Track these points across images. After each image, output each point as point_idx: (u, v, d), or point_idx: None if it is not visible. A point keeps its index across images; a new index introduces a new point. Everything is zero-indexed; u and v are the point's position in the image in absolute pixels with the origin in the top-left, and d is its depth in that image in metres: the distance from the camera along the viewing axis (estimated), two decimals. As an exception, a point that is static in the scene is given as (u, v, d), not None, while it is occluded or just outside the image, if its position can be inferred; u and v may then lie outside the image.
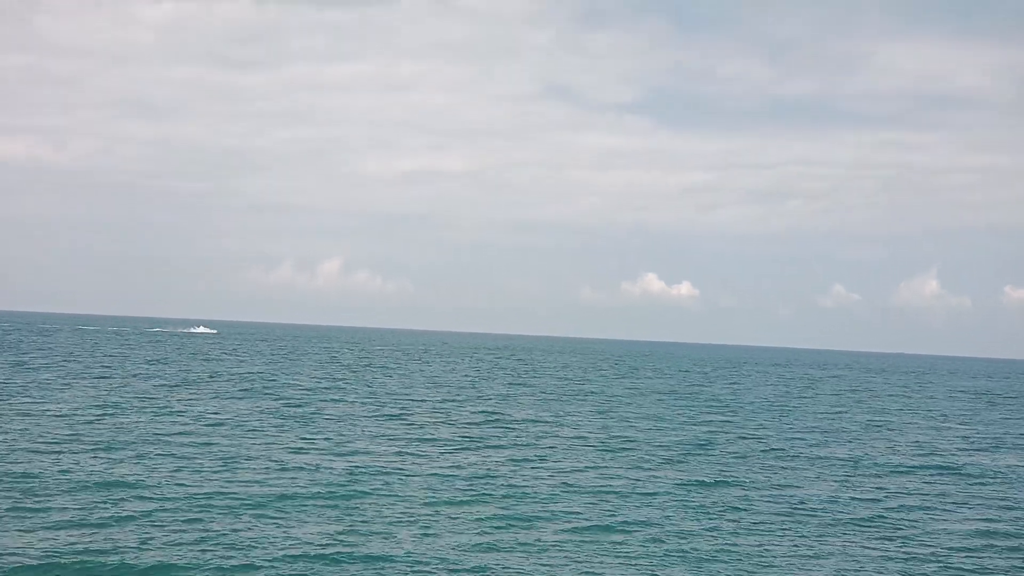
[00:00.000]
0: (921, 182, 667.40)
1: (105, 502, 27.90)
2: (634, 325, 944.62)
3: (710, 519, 29.82)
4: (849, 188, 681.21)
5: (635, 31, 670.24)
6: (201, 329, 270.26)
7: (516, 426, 52.84)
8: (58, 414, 47.19)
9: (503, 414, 58.98)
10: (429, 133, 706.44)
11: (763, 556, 25.70)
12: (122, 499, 28.41)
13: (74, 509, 26.88)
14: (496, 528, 27.46)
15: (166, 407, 53.12)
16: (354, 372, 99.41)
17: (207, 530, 25.32)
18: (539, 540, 26.29)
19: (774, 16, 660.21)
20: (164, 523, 25.88)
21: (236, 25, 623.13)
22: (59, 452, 35.83)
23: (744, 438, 51.41)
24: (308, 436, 44.04)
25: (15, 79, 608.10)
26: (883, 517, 31.43)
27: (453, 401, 67.40)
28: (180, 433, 42.69)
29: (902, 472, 41.61)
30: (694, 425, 57.16)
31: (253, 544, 24.23)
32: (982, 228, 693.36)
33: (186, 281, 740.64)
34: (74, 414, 47.63)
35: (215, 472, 33.58)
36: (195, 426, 45.54)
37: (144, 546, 23.58)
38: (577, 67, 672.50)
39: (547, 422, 55.60)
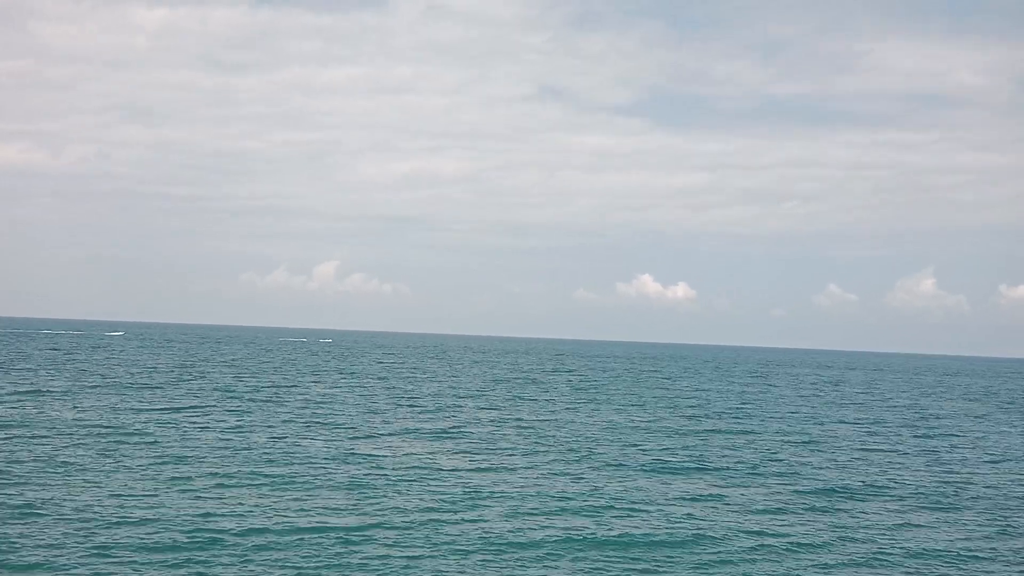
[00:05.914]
0: (916, 182, 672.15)
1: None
2: (629, 327, 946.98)
3: None
4: (844, 188, 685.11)
5: (629, 33, 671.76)
6: (329, 340, 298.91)
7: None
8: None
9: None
10: (424, 136, 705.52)
11: None
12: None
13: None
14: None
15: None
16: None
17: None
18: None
19: (767, 17, 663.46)
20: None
21: (230, 29, 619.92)
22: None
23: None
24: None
25: (10, 84, 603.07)
26: None
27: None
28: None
29: None
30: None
31: None
32: (977, 227, 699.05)
33: (180, 285, 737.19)
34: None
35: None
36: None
37: None
38: (572, 69, 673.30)
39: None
